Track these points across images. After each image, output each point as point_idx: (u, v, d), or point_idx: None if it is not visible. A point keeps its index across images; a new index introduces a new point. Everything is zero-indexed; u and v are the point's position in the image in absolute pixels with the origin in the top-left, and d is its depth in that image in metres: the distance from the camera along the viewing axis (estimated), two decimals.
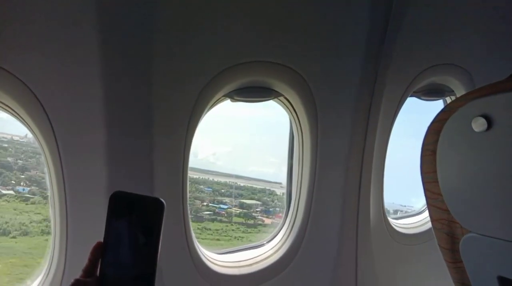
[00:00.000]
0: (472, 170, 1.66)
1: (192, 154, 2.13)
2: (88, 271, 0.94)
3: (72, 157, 1.81)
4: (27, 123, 1.81)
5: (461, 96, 1.75)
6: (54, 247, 1.92)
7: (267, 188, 3.20)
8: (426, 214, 3.24)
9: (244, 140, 3.01)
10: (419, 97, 2.84)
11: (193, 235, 2.23)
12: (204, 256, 2.30)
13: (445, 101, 3.07)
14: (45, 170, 1.90)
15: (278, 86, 2.26)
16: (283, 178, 2.99)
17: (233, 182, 3.14)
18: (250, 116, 2.81)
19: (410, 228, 3.09)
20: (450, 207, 1.69)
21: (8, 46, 1.59)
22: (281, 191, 3.09)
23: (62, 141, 1.78)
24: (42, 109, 1.73)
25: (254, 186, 3.18)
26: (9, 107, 1.78)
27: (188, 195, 2.16)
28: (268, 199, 3.19)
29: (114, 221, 0.95)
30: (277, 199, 3.12)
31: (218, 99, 2.19)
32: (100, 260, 0.94)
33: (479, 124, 1.58)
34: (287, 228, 2.61)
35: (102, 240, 0.96)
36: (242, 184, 3.17)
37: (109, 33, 1.68)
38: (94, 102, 1.75)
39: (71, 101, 1.75)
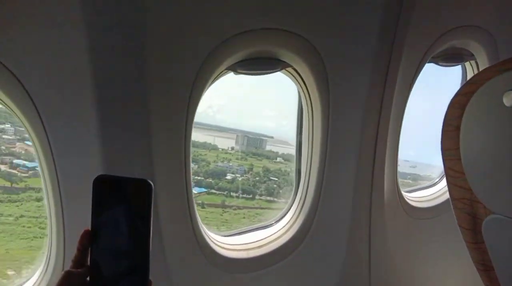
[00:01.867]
0: (500, 148, 1.50)
1: None
2: (78, 261, 0.90)
3: (64, 145, 1.64)
4: (18, 116, 1.64)
5: (490, 67, 1.57)
6: (51, 243, 1.78)
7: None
8: (439, 186, 3.12)
9: (242, 93, 2.78)
10: (437, 63, 2.63)
11: (199, 218, 2.10)
12: (211, 240, 2.17)
13: (463, 67, 2.86)
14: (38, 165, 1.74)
15: (287, 56, 2.05)
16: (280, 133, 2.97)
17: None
18: None
19: (424, 201, 2.97)
20: (473, 187, 1.56)
21: None
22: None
23: (51, 127, 1.61)
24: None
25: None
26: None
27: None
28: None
29: (100, 206, 0.89)
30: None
31: (220, 73, 1.99)
32: (89, 248, 0.90)
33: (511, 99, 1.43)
34: (297, 207, 2.47)
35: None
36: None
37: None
38: (84, 83, 1.56)
39: (60, 86, 1.57)
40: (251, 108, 2.85)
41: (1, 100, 1.63)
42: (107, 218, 0.88)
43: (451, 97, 1.58)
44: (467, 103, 1.53)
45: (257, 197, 2.91)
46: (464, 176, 1.55)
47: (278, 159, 3.01)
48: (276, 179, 2.95)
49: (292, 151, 2.59)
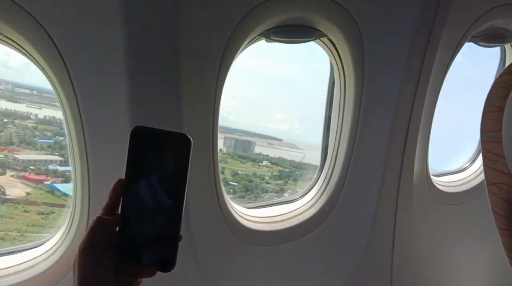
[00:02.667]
0: None
1: None
2: (109, 209, 0.89)
3: (91, 100, 1.62)
4: (40, 64, 1.62)
5: None
6: (76, 192, 1.78)
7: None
8: (468, 172, 3.03)
9: (256, 95, 2.80)
10: (476, 43, 2.52)
11: (223, 187, 2.07)
12: (234, 210, 2.15)
13: (503, 48, 2.74)
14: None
15: (322, 25, 1.99)
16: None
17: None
18: (259, 70, 2.59)
19: (452, 186, 2.89)
20: None
21: None
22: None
23: (78, 82, 1.58)
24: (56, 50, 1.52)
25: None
26: (23, 48, 1.58)
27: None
28: None
29: (136, 158, 0.86)
30: None
31: (252, 39, 1.94)
32: (121, 198, 0.88)
33: None
34: (322, 183, 2.42)
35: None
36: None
37: None
38: (114, 45, 1.53)
39: (89, 46, 1.54)
40: (264, 110, 2.82)
41: (27, 51, 1.62)
42: (141, 170, 0.87)
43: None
44: None
45: None
46: (504, 160, 1.46)
47: (264, 162, 2.91)
48: (236, 184, 2.77)
49: (290, 154, 2.67)
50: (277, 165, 2.90)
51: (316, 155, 2.54)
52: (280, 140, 2.98)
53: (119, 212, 0.89)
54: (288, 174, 2.93)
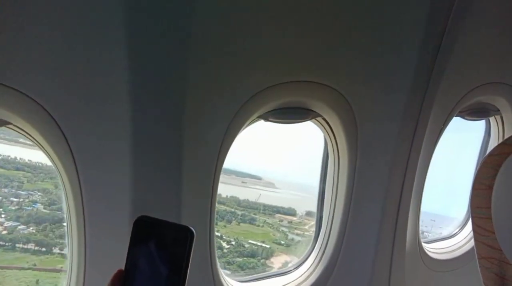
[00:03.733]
0: None
1: None
2: None
3: (94, 190, 1.64)
4: (45, 149, 1.64)
5: None
6: (71, 276, 1.76)
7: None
8: (458, 238, 3.07)
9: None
10: (463, 117, 2.63)
11: (218, 264, 2.07)
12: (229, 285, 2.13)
13: (487, 121, 2.86)
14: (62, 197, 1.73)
15: (317, 106, 2.06)
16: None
17: None
18: None
19: (443, 253, 2.92)
20: (504, 247, 1.53)
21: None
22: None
23: (81, 162, 1.60)
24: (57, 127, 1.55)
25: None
26: (29, 134, 1.61)
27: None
28: None
29: (138, 248, 0.85)
30: None
31: (252, 120, 2.00)
32: None
33: None
34: (316, 255, 2.43)
35: (123, 268, 0.86)
36: None
37: (138, 51, 1.50)
38: (120, 135, 1.57)
39: (95, 136, 1.57)
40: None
41: (36, 140, 1.64)
42: (142, 260, 0.85)
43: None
44: (501, 164, 1.51)
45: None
46: (494, 235, 1.51)
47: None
48: None
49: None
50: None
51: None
52: (260, 179, 2.95)
53: None
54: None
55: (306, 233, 2.88)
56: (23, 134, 1.63)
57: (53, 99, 1.50)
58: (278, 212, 2.92)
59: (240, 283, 2.28)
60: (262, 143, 2.78)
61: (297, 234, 2.91)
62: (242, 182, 2.84)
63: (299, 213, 2.97)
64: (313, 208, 2.91)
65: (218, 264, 2.06)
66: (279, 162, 2.96)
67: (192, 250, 0.84)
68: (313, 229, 2.59)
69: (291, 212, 2.96)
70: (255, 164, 2.95)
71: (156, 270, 0.85)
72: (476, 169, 1.62)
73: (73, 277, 1.75)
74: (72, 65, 1.46)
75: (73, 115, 1.55)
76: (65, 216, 1.75)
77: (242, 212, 2.84)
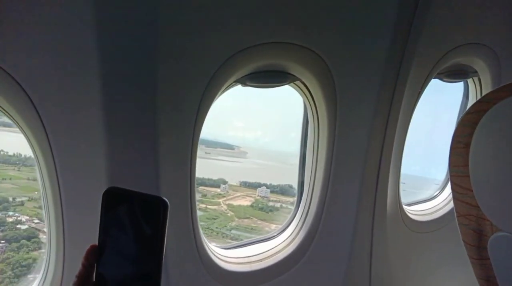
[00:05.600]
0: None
1: None
2: (83, 277, 0.83)
3: (67, 153, 1.60)
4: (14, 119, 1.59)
5: (504, 86, 1.58)
6: (50, 253, 1.74)
7: None
8: (438, 200, 3.13)
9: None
10: (441, 79, 2.64)
11: (201, 231, 2.07)
12: (213, 253, 2.14)
13: (466, 83, 2.88)
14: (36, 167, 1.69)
15: (296, 70, 2.04)
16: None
17: None
18: None
19: (424, 214, 2.97)
20: (481, 204, 1.56)
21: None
22: None
23: (53, 134, 1.56)
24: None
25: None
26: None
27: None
28: None
29: (110, 221, 0.82)
30: None
31: (228, 86, 1.97)
32: (95, 264, 0.84)
33: None
34: (299, 219, 2.45)
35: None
36: None
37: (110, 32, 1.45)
38: (91, 97, 1.53)
39: (66, 99, 1.53)
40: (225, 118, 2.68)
41: (5, 109, 1.59)
42: (115, 234, 0.82)
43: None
44: (478, 122, 1.53)
45: None
46: (472, 193, 1.55)
47: None
48: None
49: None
50: None
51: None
52: (232, 148, 2.91)
53: (94, 279, 0.85)
54: None
55: (214, 206, 2.81)
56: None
57: (24, 70, 1.45)
58: (204, 184, 2.83)
59: (225, 250, 2.29)
60: (247, 111, 2.75)
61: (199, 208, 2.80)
62: (206, 153, 2.74)
63: (232, 183, 2.93)
64: (263, 179, 2.97)
65: (201, 232, 2.07)
66: (262, 130, 2.96)
67: (167, 221, 0.81)
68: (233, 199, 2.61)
69: (218, 184, 2.89)
70: (236, 133, 2.93)
71: (131, 242, 0.82)
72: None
73: (52, 252, 1.73)
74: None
75: (42, 83, 1.50)
76: (40, 189, 1.72)
77: None
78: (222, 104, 2.20)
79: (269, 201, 2.93)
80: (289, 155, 3.08)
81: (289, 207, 2.78)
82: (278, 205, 2.90)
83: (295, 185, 2.68)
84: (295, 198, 2.56)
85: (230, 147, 2.90)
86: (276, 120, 2.90)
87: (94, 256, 0.83)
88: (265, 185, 2.98)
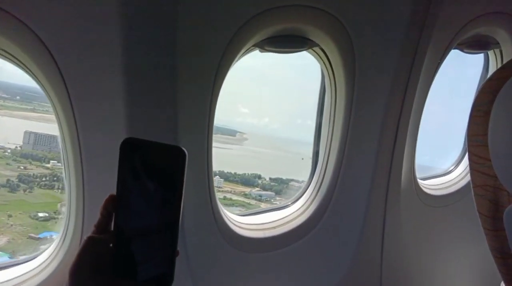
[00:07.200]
0: None
1: None
2: (101, 226, 0.85)
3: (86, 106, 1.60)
4: (34, 74, 1.59)
5: None
6: (70, 204, 1.75)
7: None
8: (454, 174, 3.10)
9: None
10: (461, 50, 2.59)
11: (217, 196, 2.08)
12: (228, 219, 2.16)
13: (486, 55, 2.82)
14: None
15: (314, 34, 2.01)
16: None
17: None
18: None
19: (438, 189, 2.95)
20: (499, 173, 1.53)
21: None
22: None
23: (74, 90, 1.56)
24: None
25: None
26: (16, 58, 1.55)
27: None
28: None
29: (127, 171, 0.81)
30: None
31: (247, 50, 1.95)
32: (114, 214, 0.84)
33: None
34: (313, 189, 2.45)
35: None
36: None
37: None
38: (111, 50, 1.52)
39: (85, 50, 1.52)
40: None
41: (25, 65, 1.59)
42: (134, 184, 0.82)
43: None
44: (499, 89, 1.49)
45: None
46: (489, 162, 1.52)
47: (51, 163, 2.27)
48: None
49: None
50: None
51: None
52: (234, 134, 2.86)
53: (112, 228, 0.85)
54: None
55: None
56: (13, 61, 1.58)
57: (45, 25, 1.44)
58: None
59: (240, 216, 2.31)
60: (258, 97, 2.73)
61: None
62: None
63: None
64: (240, 167, 2.92)
65: (217, 198, 2.08)
66: (271, 117, 2.93)
67: (185, 170, 0.81)
68: None
69: None
70: (244, 119, 2.92)
71: (149, 192, 0.82)
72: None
73: (72, 206, 1.75)
74: None
75: (64, 39, 1.49)
76: (60, 145, 1.73)
77: None
78: (234, 90, 2.23)
79: (218, 191, 2.65)
80: (295, 143, 3.10)
81: (234, 198, 2.76)
82: (222, 196, 2.72)
83: (281, 174, 2.76)
84: (258, 188, 2.58)
85: (232, 133, 2.86)
86: (287, 108, 2.88)
87: (113, 205, 0.83)
88: (229, 173, 2.86)
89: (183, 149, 0.80)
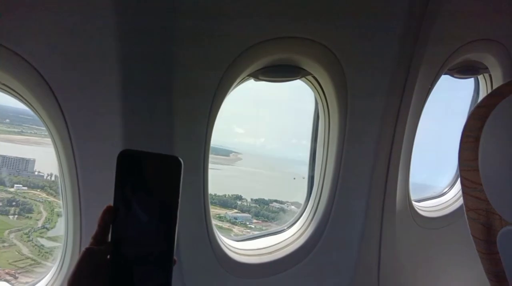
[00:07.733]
0: None
1: None
2: (99, 238, 0.85)
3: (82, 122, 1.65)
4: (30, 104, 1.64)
5: None
6: (68, 224, 1.78)
7: None
8: (448, 196, 3.13)
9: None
10: (452, 75, 2.65)
11: (213, 222, 2.10)
12: (224, 244, 2.17)
13: (476, 79, 2.88)
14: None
15: (307, 64, 2.07)
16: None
17: None
18: None
19: (433, 211, 2.98)
20: (491, 198, 1.57)
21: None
22: None
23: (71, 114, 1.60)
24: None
25: None
26: (15, 91, 1.60)
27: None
28: None
29: (124, 182, 0.83)
30: None
31: (242, 79, 2.00)
32: (111, 225, 0.85)
33: None
34: (309, 214, 2.47)
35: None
36: None
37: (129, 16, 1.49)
38: (110, 78, 1.57)
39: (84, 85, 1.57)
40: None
41: (22, 96, 1.64)
42: (130, 195, 0.84)
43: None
44: (488, 115, 1.53)
45: None
46: (481, 187, 1.55)
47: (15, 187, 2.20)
48: None
49: None
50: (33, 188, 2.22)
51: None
52: (228, 155, 2.88)
53: (109, 239, 0.86)
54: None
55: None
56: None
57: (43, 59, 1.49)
58: None
59: (235, 242, 2.32)
60: (256, 118, 2.77)
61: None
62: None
63: None
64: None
65: (213, 223, 2.10)
66: (267, 137, 2.97)
67: (181, 179, 0.83)
68: None
69: None
70: (242, 140, 2.95)
71: (146, 202, 0.84)
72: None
73: (69, 216, 1.78)
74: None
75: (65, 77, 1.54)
76: (55, 153, 1.75)
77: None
78: (233, 111, 2.28)
79: None
80: (290, 162, 3.12)
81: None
82: None
83: (266, 195, 2.71)
84: (236, 210, 2.55)
85: (226, 153, 2.88)
86: (283, 128, 2.92)
87: (110, 216, 0.85)
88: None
89: (179, 158, 0.82)
